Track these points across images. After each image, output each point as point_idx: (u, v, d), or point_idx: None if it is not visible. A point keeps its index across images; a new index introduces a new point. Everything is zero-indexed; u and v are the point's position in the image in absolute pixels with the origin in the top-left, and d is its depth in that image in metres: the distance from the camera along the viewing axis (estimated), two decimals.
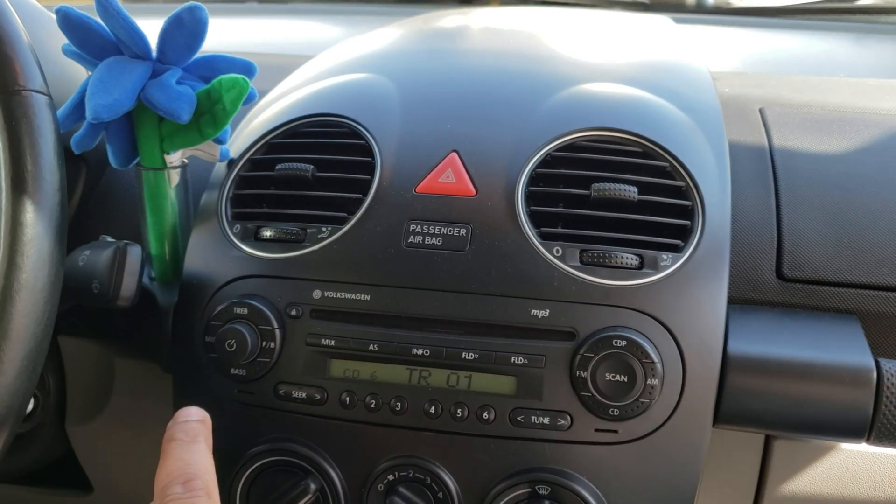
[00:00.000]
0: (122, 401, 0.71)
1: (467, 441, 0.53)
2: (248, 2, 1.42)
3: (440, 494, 0.54)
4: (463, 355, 0.54)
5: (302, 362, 0.55)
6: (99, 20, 0.57)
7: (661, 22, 0.98)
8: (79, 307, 0.60)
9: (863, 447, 0.60)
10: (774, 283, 0.60)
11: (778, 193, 0.64)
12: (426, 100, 0.64)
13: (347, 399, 0.55)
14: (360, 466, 0.55)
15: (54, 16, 0.57)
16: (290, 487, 0.55)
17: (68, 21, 0.56)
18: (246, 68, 0.61)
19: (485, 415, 0.53)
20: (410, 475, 0.54)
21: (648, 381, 0.51)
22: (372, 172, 0.59)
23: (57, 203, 0.48)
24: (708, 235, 0.55)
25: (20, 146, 0.46)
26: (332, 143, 0.62)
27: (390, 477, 0.54)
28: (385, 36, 0.83)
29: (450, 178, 0.58)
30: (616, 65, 0.71)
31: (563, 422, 0.52)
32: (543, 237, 0.56)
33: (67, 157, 0.64)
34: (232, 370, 0.56)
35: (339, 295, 0.56)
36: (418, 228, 0.56)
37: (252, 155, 0.64)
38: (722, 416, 0.54)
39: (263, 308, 0.55)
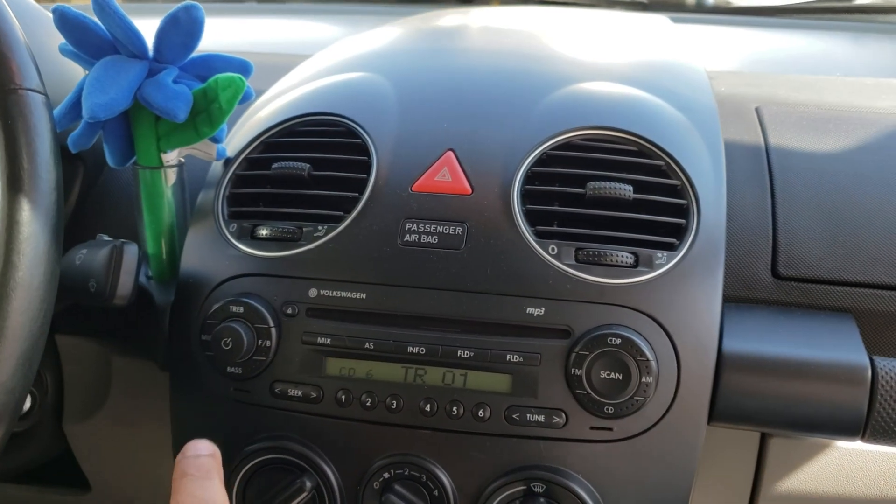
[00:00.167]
0: (119, 399, 0.71)
1: (463, 439, 0.54)
2: (246, 1, 1.43)
3: (436, 492, 0.54)
4: (458, 353, 0.54)
5: (298, 360, 0.56)
6: (96, 19, 0.57)
7: (658, 21, 0.98)
8: (76, 306, 0.60)
9: (858, 445, 0.60)
10: (770, 281, 0.60)
11: (773, 192, 0.64)
12: (422, 99, 0.64)
13: (343, 397, 0.55)
14: (356, 464, 0.55)
15: (51, 15, 0.57)
16: (286, 485, 0.55)
17: (65, 20, 0.56)
18: (242, 67, 0.61)
19: (480, 413, 0.53)
20: (406, 473, 0.54)
21: (643, 379, 0.52)
22: (368, 171, 0.59)
23: (53, 201, 0.48)
24: (703, 234, 0.55)
25: (16, 145, 0.47)
26: (328, 142, 0.62)
27: (386, 475, 0.55)
28: (382, 35, 0.83)
29: (446, 176, 0.58)
30: (612, 64, 0.71)
31: (558, 420, 0.53)
32: (539, 235, 0.56)
33: (64, 157, 0.64)
34: (228, 368, 0.56)
35: (335, 293, 0.56)
36: (414, 227, 0.56)
37: (248, 154, 0.64)
38: (717, 414, 0.54)
39: (259, 306, 0.56)
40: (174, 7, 0.57)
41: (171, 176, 0.62)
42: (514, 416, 0.53)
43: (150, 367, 0.64)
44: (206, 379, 0.58)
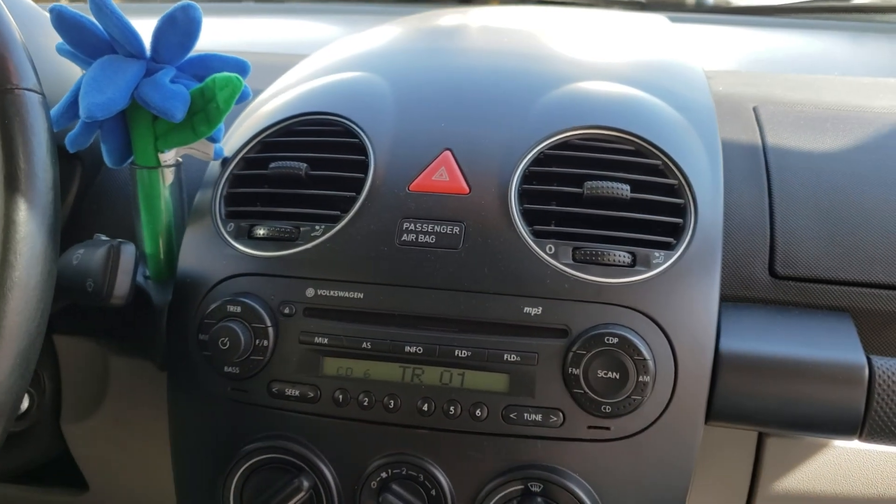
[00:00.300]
0: (117, 399, 0.71)
1: (460, 438, 0.54)
2: (244, 0, 1.43)
3: (433, 492, 0.54)
4: (456, 353, 0.54)
5: (295, 360, 0.56)
6: (93, 19, 0.57)
7: (656, 21, 0.98)
8: (74, 306, 0.60)
9: (855, 444, 0.60)
10: (767, 280, 0.60)
11: (771, 191, 0.64)
12: (420, 98, 0.64)
13: (341, 397, 0.55)
14: (354, 464, 0.55)
15: (48, 15, 0.57)
16: (283, 485, 0.55)
17: (62, 20, 0.56)
18: (240, 67, 0.61)
19: (477, 412, 0.53)
20: (403, 472, 0.54)
21: (640, 378, 0.52)
22: (365, 171, 0.59)
23: (50, 201, 0.48)
24: (700, 233, 0.55)
25: (13, 144, 0.46)
26: (325, 142, 0.62)
27: (383, 474, 0.55)
28: (380, 35, 0.83)
29: (443, 176, 0.58)
30: (610, 63, 0.71)
31: (555, 419, 0.53)
32: (536, 235, 0.56)
33: (62, 157, 0.64)
34: (225, 368, 0.56)
35: (332, 293, 0.56)
36: (412, 227, 0.56)
37: (246, 153, 0.64)
38: (714, 413, 0.54)
39: (257, 306, 0.56)
40: (171, 7, 0.57)
41: (169, 176, 0.62)
42: (511, 415, 0.53)
43: (148, 366, 0.64)
44: (203, 379, 0.58)
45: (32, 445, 0.73)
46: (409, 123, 0.62)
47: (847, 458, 0.61)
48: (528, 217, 0.57)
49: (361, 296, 0.55)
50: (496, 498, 0.53)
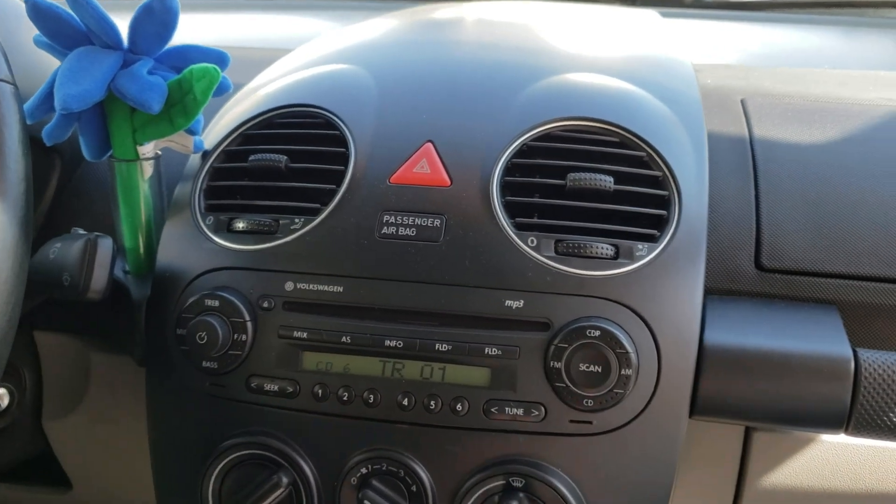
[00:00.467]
0: (98, 395, 0.70)
1: (440, 433, 0.53)
2: None
3: (413, 488, 0.53)
4: (436, 347, 0.53)
5: (274, 355, 0.55)
6: (69, 10, 0.56)
7: (647, 16, 0.97)
8: (54, 301, 0.59)
9: (843, 438, 0.59)
10: (753, 273, 0.60)
11: (757, 184, 0.63)
12: (402, 90, 0.63)
13: (320, 392, 0.54)
14: (333, 459, 0.54)
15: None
16: (262, 481, 0.54)
17: (38, 11, 0.56)
18: (219, 58, 0.60)
19: (458, 406, 0.53)
20: (383, 468, 0.54)
21: (622, 372, 0.51)
22: (346, 163, 0.59)
23: (21, 192, 0.48)
24: (684, 225, 0.55)
25: None
26: (306, 134, 0.61)
27: (363, 470, 0.54)
28: (365, 28, 0.82)
29: (424, 168, 0.58)
30: (596, 56, 0.71)
31: (536, 413, 0.52)
32: (518, 227, 0.55)
33: (41, 150, 0.64)
34: (203, 363, 0.55)
35: (311, 287, 0.55)
36: (392, 219, 0.56)
37: (227, 146, 0.63)
38: (699, 407, 0.54)
39: (235, 300, 0.55)
40: None
41: (148, 169, 0.61)
42: (492, 409, 0.52)
43: (129, 362, 0.64)
44: (181, 374, 0.57)
45: (13, 443, 0.73)
46: (391, 115, 0.61)
47: (835, 452, 0.60)
48: (511, 209, 0.56)
49: (341, 289, 0.55)
50: (477, 493, 0.53)
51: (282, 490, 0.54)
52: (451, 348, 0.53)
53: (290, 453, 0.54)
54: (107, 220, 0.64)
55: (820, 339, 0.54)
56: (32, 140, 0.58)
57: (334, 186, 0.58)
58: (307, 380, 0.54)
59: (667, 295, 0.53)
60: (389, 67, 0.67)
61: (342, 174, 0.58)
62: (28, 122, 0.55)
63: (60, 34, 0.57)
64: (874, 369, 0.52)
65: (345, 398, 0.54)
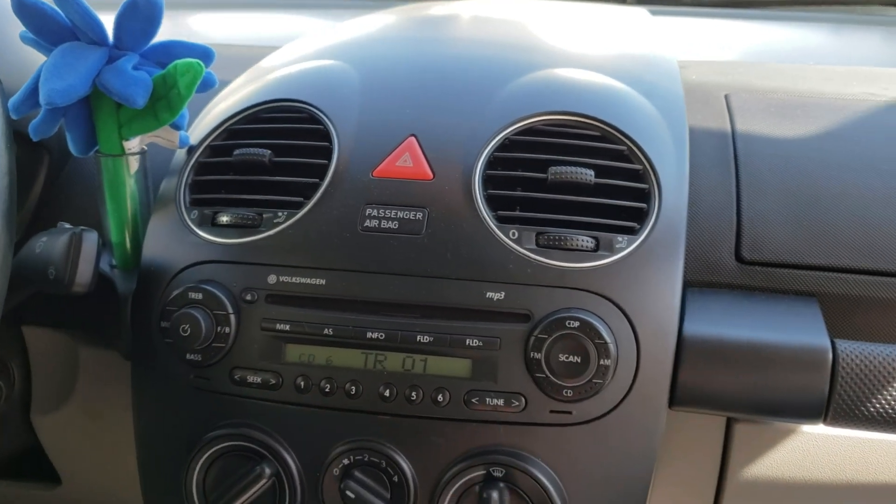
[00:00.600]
0: (87, 390, 0.71)
1: (422, 424, 0.53)
2: None
3: (395, 478, 0.54)
4: (418, 338, 0.54)
5: (257, 347, 0.55)
6: (54, 6, 0.56)
7: (635, 13, 0.98)
8: (43, 296, 0.59)
9: (823, 430, 0.60)
10: (734, 265, 0.60)
11: (738, 177, 0.64)
12: (386, 85, 0.64)
13: (302, 383, 0.54)
14: (316, 451, 0.55)
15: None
16: (245, 472, 0.55)
17: (22, 7, 0.56)
18: (204, 54, 0.61)
19: (439, 397, 0.53)
20: (366, 459, 0.54)
21: (601, 362, 0.51)
22: (329, 157, 0.59)
23: (5, 186, 0.48)
24: (664, 218, 0.55)
25: None
26: (290, 129, 0.62)
27: (346, 461, 0.54)
28: (350, 26, 0.83)
29: (407, 162, 0.58)
30: (579, 52, 0.71)
31: (517, 403, 0.52)
32: (500, 220, 0.56)
33: (29, 146, 0.64)
34: (187, 355, 0.56)
35: (294, 280, 0.55)
36: (375, 213, 0.56)
37: (212, 141, 0.64)
38: (678, 397, 0.54)
39: (218, 293, 0.55)
40: None
41: (134, 164, 0.62)
42: (473, 400, 0.53)
43: (117, 357, 0.64)
44: (166, 366, 0.57)
45: (1, 438, 0.73)
46: (374, 110, 0.61)
47: (815, 443, 0.61)
48: (492, 202, 0.57)
49: (323, 282, 0.55)
50: (459, 483, 0.53)
51: (265, 481, 0.55)
52: (432, 340, 0.53)
53: (274, 445, 0.55)
54: (94, 215, 0.64)
55: (799, 330, 0.55)
56: (21, 136, 0.59)
57: (317, 180, 0.58)
58: (290, 372, 0.55)
59: (646, 286, 0.53)
60: (373, 63, 0.68)
61: (325, 168, 0.59)
62: (13, 117, 0.56)
63: (46, 30, 0.58)
64: (852, 360, 0.53)
65: (327, 390, 0.54)
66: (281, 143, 0.61)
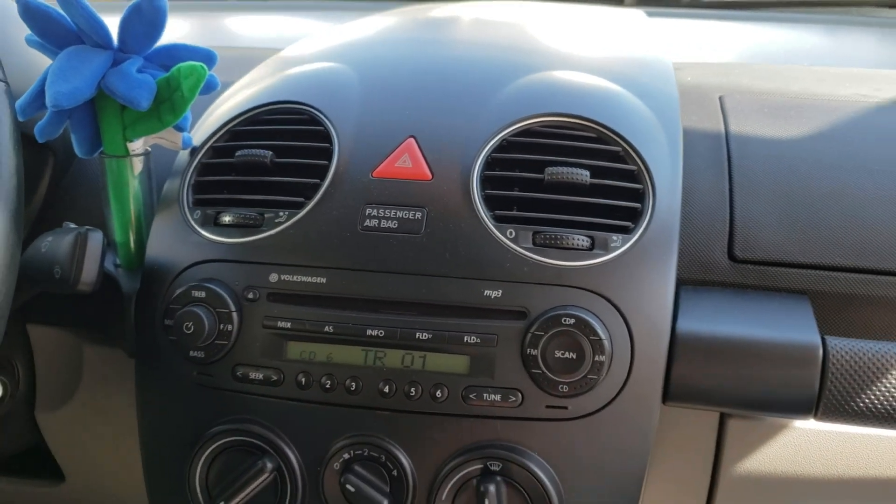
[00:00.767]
0: (91, 388, 0.72)
1: (420, 419, 0.54)
2: None
3: (395, 472, 0.55)
4: (417, 336, 0.55)
5: (259, 345, 0.56)
6: (60, 10, 0.58)
7: (632, 15, 0.99)
8: (47, 295, 0.60)
9: (815, 425, 0.61)
10: (726, 264, 0.61)
11: (731, 178, 0.65)
12: (385, 87, 0.65)
13: (304, 380, 0.56)
14: (317, 446, 0.56)
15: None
16: (247, 467, 0.56)
17: (29, 11, 0.57)
18: (207, 57, 0.62)
19: (438, 393, 0.54)
20: (365, 453, 0.55)
21: (596, 358, 0.52)
22: (330, 158, 0.60)
23: (13, 187, 0.49)
24: (658, 218, 0.56)
25: None
26: (291, 130, 0.63)
27: (346, 455, 0.55)
28: (351, 28, 0.84)
29: (406, 162, 0.59)
30: (576, 54, 0.72)
31: (514, 399, 0.53)
32: (497, 220, 0.57)
33: (34, 147, 0.65)
34: (190, 353, 0.57)
35: (295, 278, 0.56)
36: (374, 212, 0.57)
37: (214, 142, 0.65)
38: (671, 393, 0.55)
39: (221, 291, 0.56)
40: None
41: (138, 165, 0.63)
42: (471, 395, 0.54)
43: (121, 355, 0.65)
44: (169, 363, 0.58)
45: (6, 436, 0.74)
46: (374, 112, 0.62)
47: (807, 438, 0.62)
48: (490, 202, 0.58)
49: (324, 281, 0.56)
50: (456, 477, 0.54)
51: (267, 475, 0.56)
52: (431, 337, 0.54)
53: (275, 440, 0.56)
54: (99, 215, 0.66)
55: (790, 327, 0.56)
56: (26, 137, 0.60)
57: (318, 181, 0.59)
58: (291, 368, 0.56)
59: (640, 284, 0.55)
60: (373, 65, 0.69)
61: (326, 169, 0.60)
62: (20, 119, 0.57)
63: (51, 33, 0.59)
64: (841, 356, 0.54)
65: (328, 386, 0.55)
66: (282, 145, 0.62)
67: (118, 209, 0.63)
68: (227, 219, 0.60)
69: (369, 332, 0.55)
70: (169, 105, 0.59)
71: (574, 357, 0.52)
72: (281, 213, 0.58)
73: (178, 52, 0.62)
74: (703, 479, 0.64)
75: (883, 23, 1.21)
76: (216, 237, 0.59)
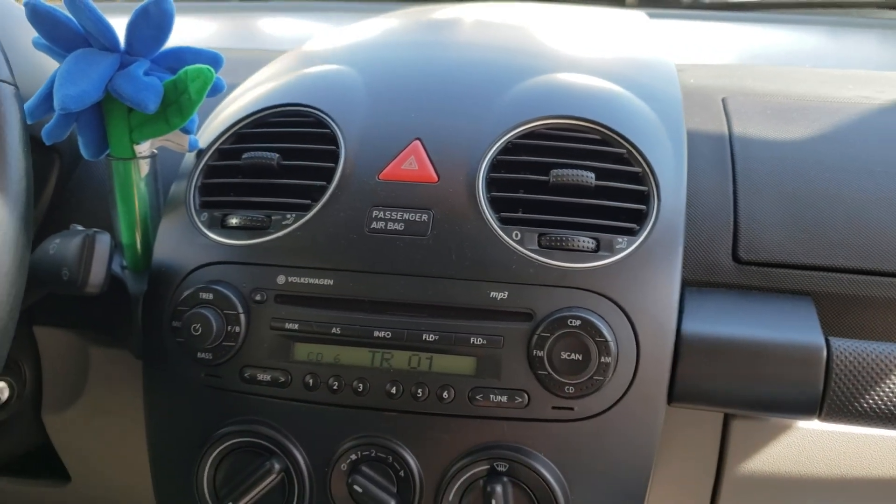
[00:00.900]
0: (97, 389, 0.72)
1: (427, 420, 0.55)
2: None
3: (402, 473, 0.55)
4: (423, 337, 0.55)
5: (267, 346, 0.57)
6: (67, 13, 0.58)
7: (634, 17, 0.99)
8: (54, 297, 0.61)
9: (819, 425, 0.61)
10: (730, 265, 0.62)
11: (735, 179, 0.65)
12: (391, 90, 0.65)
13: (311, 381, 0.56)
14: (324, 447, 0.56)
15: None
16: (255, 468, 0.56)
17: (36, 14, 0.57)
18: (213, 59, 0.62)
19: (444, 394, 0.54)
20: (373, 454, 0.55)
21: (602, 359, 0.53)
22: (336, 160, 0.60)
23: (23, 189, 0.49)
24: (663, 219, 0.57)
25: None
26: (297, 132, 0.63)
27: (353, 456, 0.56)
28: (355, 30, 0.84)
29: (412, 165, 0.59)
30: (580, 56, 0.73)
31: (520, 400, 0.54)
32: (503, 222, 0.57)
33: (41, 149, 0.65)
34: (198, 354, 0.57)
35: (302, 280, 0.57)
36: (381, 214, 0.58)
37: (220, 145, 0.65)
38: (677, 394, 0.55)
39: (228, 293, 0.57)
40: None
41: (144, 167, 0.63)
42: (477, 397, 0.54)
43: (127, 356, 0.65)
44: (177, 365, 0.59)
45: (13, 436, 0.74)
46: (380, 114, 0.63)
47: (811, 439, 0.62)
48: (496, 204, 0.58)
49: (331, 282, 0.57)
50: (463, 478, 0.54)
51: (274, 476, 0.56)
52: (437, 338, 0.55)
53: (283, 441, 0.56)
54: (105, 217, 0.66)
55: (794, 328, 0.56)
56: (32, 139, 0.60)
57: (325, 183, 0.60)
58: (299, 370, 0.56)
59: (645, 286, 0.55)
60: (379, 67, 0.69)
61: (332, 171, 0.60)
62: (28, 122, 0.57)
63: (59, 36, 0.59)
64: (845, 357, 0.54)
65: (335, 387, 0.56)
66: (288, 147, 0.62)
67: (125, 211, 0.63)
68: (234, 221, 0.60)
69: (376, 333, 0.55)
70: (176, 107, 0.59)
71: (580, 358, 0.53)
72: (288, 216, 0.59)
73: (184, 55, 0.62)
74: (707, 479, 0.64)
75: (884, 24, 1.21)
76: (223, 239, 0.59)
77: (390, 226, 0.57)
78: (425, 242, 0.56)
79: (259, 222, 0.59)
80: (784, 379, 0.54)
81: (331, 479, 0.56)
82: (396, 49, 0.76)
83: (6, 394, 0.71)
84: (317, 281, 0.57)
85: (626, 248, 0.56)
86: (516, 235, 0.56)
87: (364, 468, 0.55)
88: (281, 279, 0.57)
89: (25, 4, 0.57)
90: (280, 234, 0.58)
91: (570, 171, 0.58)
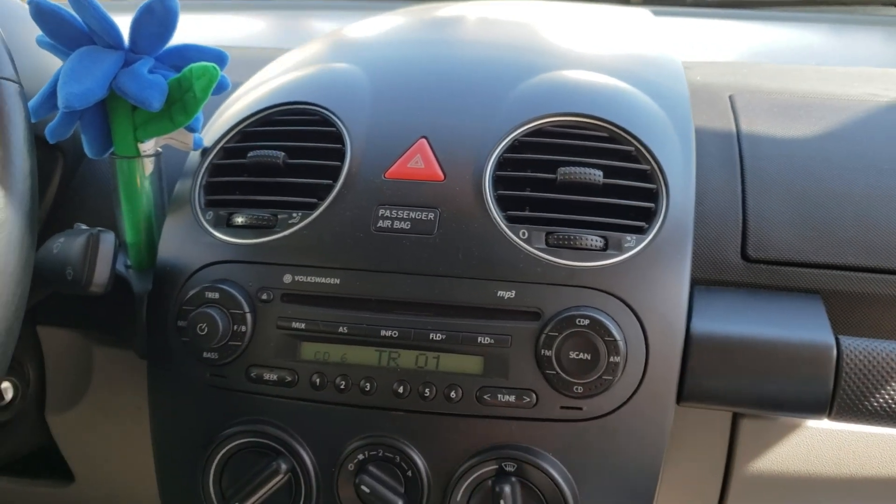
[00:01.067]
0: (101, 389, 0.72)
1: (435, 420, 0.54)
2: None
3: (409, 473, 0.55)
4: (431, 336, 0.55)
5: (273, 345, 0.56)
6: (72, 11, 0.57)
7: (639, 14, 0.99)
8: (57, 297, 0.60)
9: (828, 424, 0.61)
10: (739, 264, 0.61)
11: (744, 177, 0.65)
12: (397, 88, 0.65)
13: (318, 381, 0.55)
14: (331, 446, 0.56)
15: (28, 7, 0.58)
16: (261, 468, 0.56)
17: (40, 12, 0.57)
18: (218, 57, 0.62)
19: (452, 394, 0.54)
20: (380, 454, 0.55)
21: (611, 359, 0.52)
22: (342, 159, 0.60)
23: (27, 188, 0.49)
24: (672, 218, 0.56)
25: None
26: (303, 131, 0.63)
27: (360, 456, 0.55)
28: (361, 28, 0.84)
29: (419, 163, 0.59)
30: (586, 53, 0.72)
31: (528, 399, 0.53)
32: (510, 220, 0.57)
33: (44, 148, 0.65)
34: (204, 354, 0.57)
35: (309, 279, 0.56)
36: (387, 213, 0.57)
37: (225, 143, 0.65)
38: (686, 393, 0.55)
39: (234, 292, 0.56)
40: None
41: (149, 165, 0.63)
42: (485, 396, 0.54)
43: (131, 356, 0.65)
44: (182, 365, 0.58)
45: (17, 436, 0.74)
46: (386, 112, 0.62)
47: (820, 438, 0.62)
48: (502, 203, 0.58)
49: (338, 281, 0.56)
50: (471, 478, 0.54)
51: (281, 476, 0.56)
52: (444, 337, 0.54)
53: (289, 441, 0.56)
54: (109, 216, 0.65)
55: (803, 327, 0.56)
56: (36, 138, 0.60)
57: (331, 181, 0.59)
58: (305, 369, 0.56)
59: (654, 285, 0.55)
60: (384, 66, 0.69)
61: (338, 169, 0.60)
62: (32, 120, 0.57)
63: (63, 34, 0.59)
64: (855, 356, 0.54)
65: (342, 387, 0.55)
66: (294, 146, 0.62)
67: (129, 210, 0.63)
68: (239, 220, 0.60)
69: (383, 332, 0.55)
70: (180, 106, 0.59)
71: (589, 358, 0.52)
72: (294, 214, 0.58)
73: (189, 53, 0.62)
74: (715, 479, 0.64)
75: (889, 21, 1.21)
76: (229, 238, 0.59)
77: (397, 224, 0.57)
78: (432, 241, 0.56)
79: (265, 221, 0.59)
80: (794, 378, 0.54)
81: (338, 480, 0.56)
82: (402, 47, 0.75)
83: (10, 394, 0.71)
84: (323, 280, 0.56)
85: (634, 246, 0.55)
86: (523, 234, 0.56)
87: (371, 468, 0.55)
88: (287, 278, 0.57)
89: (29, 2, 0.57)
90: (286, 232, 0.58)
91: (578, 169, 0.57)
